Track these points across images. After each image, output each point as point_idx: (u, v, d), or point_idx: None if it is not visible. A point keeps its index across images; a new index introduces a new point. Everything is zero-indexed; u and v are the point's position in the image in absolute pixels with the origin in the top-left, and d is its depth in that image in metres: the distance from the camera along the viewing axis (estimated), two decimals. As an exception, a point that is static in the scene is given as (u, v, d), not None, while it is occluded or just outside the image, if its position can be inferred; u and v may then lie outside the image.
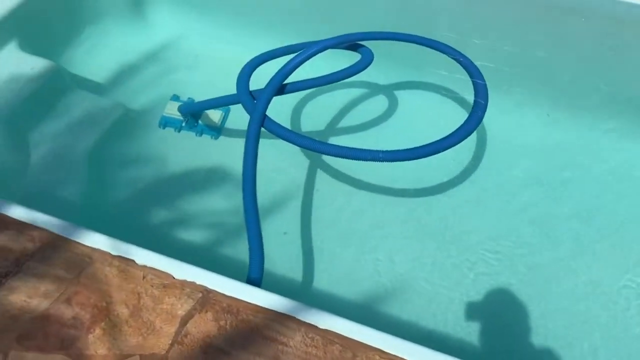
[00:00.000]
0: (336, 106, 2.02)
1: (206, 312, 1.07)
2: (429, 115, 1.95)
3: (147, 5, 2.23)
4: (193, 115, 1.97)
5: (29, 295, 1.09)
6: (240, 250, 1.55)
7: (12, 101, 1.71)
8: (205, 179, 1.83)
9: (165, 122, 1.98)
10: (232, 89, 1.72)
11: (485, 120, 1.50)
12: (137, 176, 1.82)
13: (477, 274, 1.61)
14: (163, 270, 1.12)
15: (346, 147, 1.38)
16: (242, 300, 1.08)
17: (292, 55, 1.56)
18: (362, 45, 1.63)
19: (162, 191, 1.79)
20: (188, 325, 1.05)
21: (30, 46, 1.87)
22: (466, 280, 1.59)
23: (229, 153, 1.85)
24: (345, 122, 1.98)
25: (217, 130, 1.97)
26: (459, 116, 1.54)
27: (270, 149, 1.71)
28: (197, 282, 1.11)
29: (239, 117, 1.86)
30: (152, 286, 1.10)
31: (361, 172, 1.82)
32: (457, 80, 1.87)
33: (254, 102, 1.52)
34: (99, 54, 2.11)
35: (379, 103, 2.02)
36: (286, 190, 1.80)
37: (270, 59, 1.63)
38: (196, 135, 1.97)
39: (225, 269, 1.15)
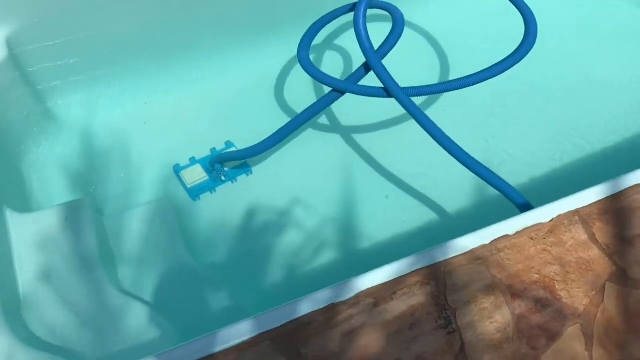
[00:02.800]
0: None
1: None
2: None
3: (55, 109, 1.84)
4: (214, 165, 1.75)
5: None
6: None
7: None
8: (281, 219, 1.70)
9: (196, 192, 1.73)
10: (196, 134, 1.82)
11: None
12: (231, 259, 1.63)
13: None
14: None
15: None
16: None
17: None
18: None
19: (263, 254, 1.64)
20: None
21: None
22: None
23: (272, 180, 1.77)
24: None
25: (246, 165, 1.79)
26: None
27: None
28: None
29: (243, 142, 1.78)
30: None
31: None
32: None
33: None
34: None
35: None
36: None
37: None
38: (232, 182, 1.76)
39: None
